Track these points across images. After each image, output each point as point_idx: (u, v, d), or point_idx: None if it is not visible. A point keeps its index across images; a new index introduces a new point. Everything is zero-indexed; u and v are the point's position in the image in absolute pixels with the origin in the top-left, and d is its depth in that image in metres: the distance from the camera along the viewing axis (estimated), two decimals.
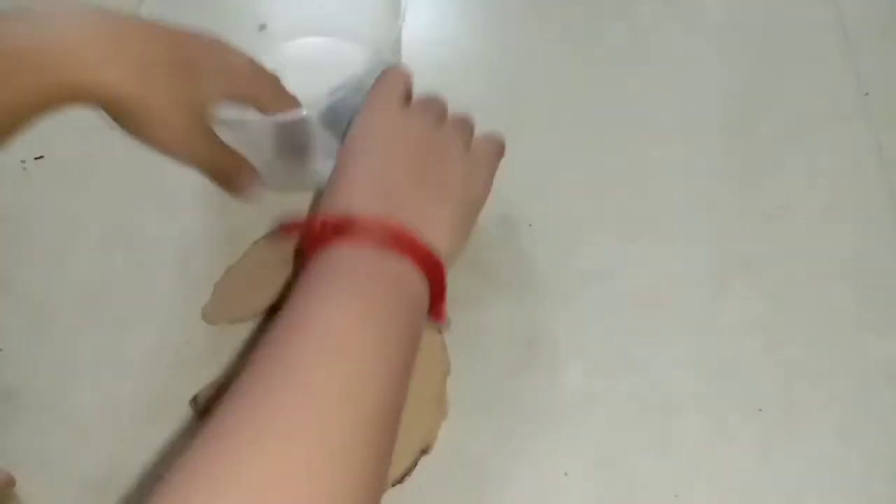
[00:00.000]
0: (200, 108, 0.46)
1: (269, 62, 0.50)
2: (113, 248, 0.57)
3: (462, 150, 0.48)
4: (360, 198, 0.43)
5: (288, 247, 0.55)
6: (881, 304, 0.52)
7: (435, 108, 0.49)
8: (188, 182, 0.58)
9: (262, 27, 0.60)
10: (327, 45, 0.63)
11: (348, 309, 0.38)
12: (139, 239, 0.57)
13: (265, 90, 0.49)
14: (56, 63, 0.41)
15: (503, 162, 0.52)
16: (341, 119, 0.50)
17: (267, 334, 0.38)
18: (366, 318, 0.38)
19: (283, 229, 0.43)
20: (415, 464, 0.47)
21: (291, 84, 0.51)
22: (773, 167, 0.57)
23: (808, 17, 0.64)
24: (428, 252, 0.42)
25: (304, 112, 0.50)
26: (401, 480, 0.47)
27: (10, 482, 0.48)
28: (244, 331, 0.53)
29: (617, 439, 0.48)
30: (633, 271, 0.54)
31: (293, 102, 0.51)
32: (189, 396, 0.50)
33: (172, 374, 0.52)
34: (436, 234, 0.43)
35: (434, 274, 0.42)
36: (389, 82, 0.49)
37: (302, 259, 0.42)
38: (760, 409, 0.49)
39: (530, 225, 0.55)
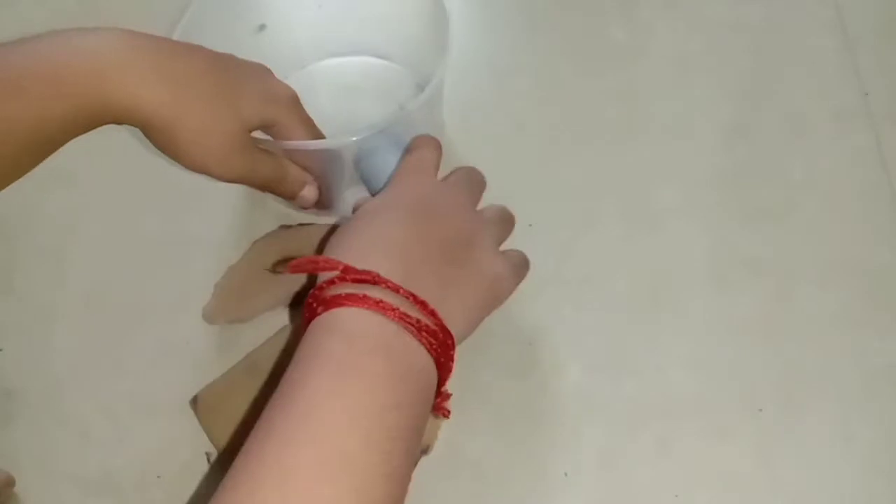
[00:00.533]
0: (238, 129, 0.45)
1: (295, 83, 0.51)
2: (113, 248, 0.57)
3: (495, 245, 0.45)
4: (381, 260, 0.39)
5: (288, 246, 0.55)
6: (881, 304, 0.52)
7: (474, 188, 0.47)
8: (188, 182, 0.58)
9: (262, 27, 0.60)
10: (359, 64, 0.64)
11: (354, 403, 0.35)
12: (139, 239, 0.57)
13: (300, 121, 0.49)
14: (92, 84, 0.41)
15: (503, 161, 0.52)
16: (367, 161, 0.50)
17: (268, 408, 0.35)
18: (371, 412, 0.35)
19: (293, 266, 0.40)
20: (415, 464, 0.47)
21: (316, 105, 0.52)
22: (773, 167, 0.57)
23: (808, 17, 0.64)
24: (448, 333, 0.39)
25: (337, 144, 0.50)
26: None
27: (10, 482, 0.48)
28: (244, 331, 0.53)
29: (617, 439, 0.48)
30: (633, 271, 0.54)
31: (322, 136, 0.51)
32: (189, 396, 0.50)
33: (172, 374, 0.52)
34: (447, 320, 0.40)
35: (444, 359, 0.40)
36: (426, 149, 0.48)
37: (310, 301, 0.39)
38: (760, 409, 0.49)
39: (530, 225, 0.55)
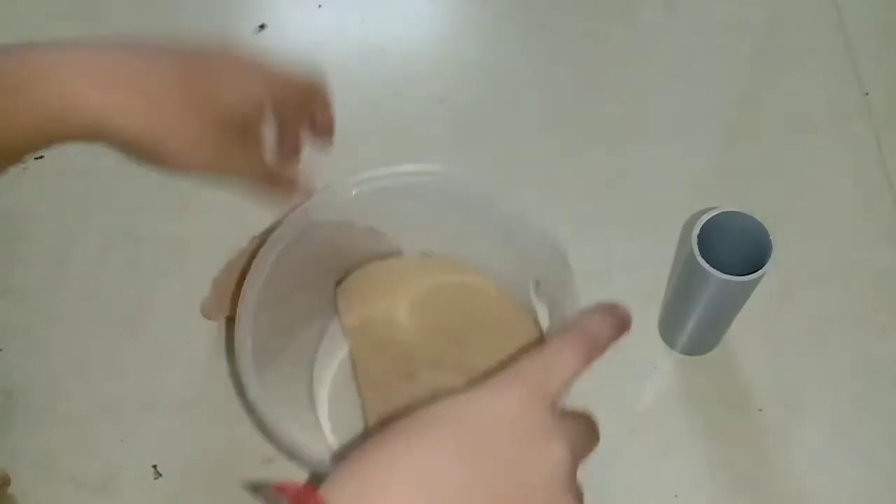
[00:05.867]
0: (223, 123, 0.42)
1: None
2: (113, 248, 0.57)
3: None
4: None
5: None
6: (881, 304, 0.52)
7: (577, 454, 0.34)
8: (188, 182, 0.58)
9: (262, 27, 0.60)
10: None
11: None
12: (139, 239, 0.57)
13: (290, 92, 0.44)
14: (56, 109, 0.38)
15: (503, 161, 0.51)
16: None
17: None
18: None
19: (276, 489, 0.29)
20: None
21: None
22: (773, 167, 0.57)
23: (808, 17, 0.64)
24: None
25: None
26: None
27: (6, 481, 0.48)
28: None
29: (617, 439, 0.48)
30: (633, 271, 0.54)
31: (324, 104, 0.46)
32: (187, 396, 0.50)
33: (172, 374, 0.52)
34: None
35: None
36: (574, 350, 0.33)
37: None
38: (760, 409, 0.49)
39: None
